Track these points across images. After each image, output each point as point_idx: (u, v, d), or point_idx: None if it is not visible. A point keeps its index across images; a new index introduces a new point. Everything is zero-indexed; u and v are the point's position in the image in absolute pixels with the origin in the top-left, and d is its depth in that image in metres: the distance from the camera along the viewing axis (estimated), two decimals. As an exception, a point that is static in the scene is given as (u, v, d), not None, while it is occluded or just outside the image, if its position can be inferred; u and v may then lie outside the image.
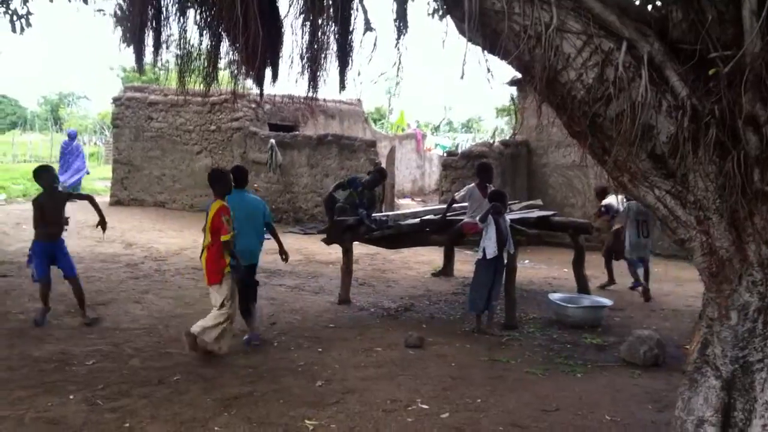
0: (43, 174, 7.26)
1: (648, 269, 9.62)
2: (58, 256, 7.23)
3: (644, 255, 9.59)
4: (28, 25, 10.43)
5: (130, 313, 7.66)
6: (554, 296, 8.23)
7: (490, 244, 7.35)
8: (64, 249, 7.31)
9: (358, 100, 22.01)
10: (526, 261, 11.93)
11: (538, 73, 3.52)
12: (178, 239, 12.85)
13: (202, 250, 6.18)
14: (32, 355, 6.03)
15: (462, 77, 3.41)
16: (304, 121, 19.33)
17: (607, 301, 8.22)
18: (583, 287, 9.27)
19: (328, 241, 8.96)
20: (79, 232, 13.74)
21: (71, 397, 5.05)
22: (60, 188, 8.92)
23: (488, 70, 3.70)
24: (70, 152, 18.84)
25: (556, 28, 3.48)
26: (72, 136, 19.49)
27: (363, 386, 5.49)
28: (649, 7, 3.99)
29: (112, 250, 11.98)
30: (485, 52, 3.73)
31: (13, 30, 10.32)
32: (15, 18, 10.32)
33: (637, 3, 4.05)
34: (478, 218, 7.76)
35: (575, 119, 3.71)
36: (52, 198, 7.24)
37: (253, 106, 17.65)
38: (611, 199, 10.24)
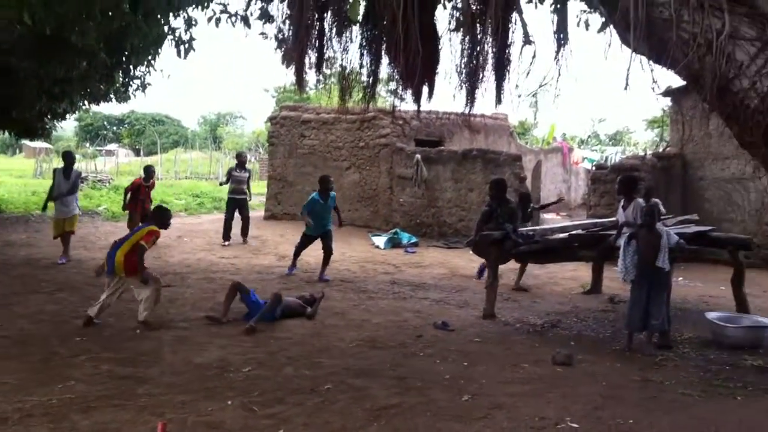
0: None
1: None
2: None
3: None
4: (192, 49, 11.18)
5: (283, 323, 7.94)
6: (711, 315, 7.79)
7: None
8: None
9: (505, 114, 21.86)
10: (680, 278, 11.37)
11: (708, 82, 3.37)
12: (326, 252, 13.27)
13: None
14: (194, 362, 6.33)
15: (626, 88, 3.33)
16: (450, 137, 19.45)
17: (770, 321, 7.70)
18: (742, 306, 8.71)
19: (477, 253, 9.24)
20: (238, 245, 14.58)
21: (229, 402, 5.22)
22: None
23: (654, 80, 3.59)
24: None
25: (728, 35, 3.32)
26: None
27: (510, 402, 5.40)
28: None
29: (266, 262, 12.56)
30: (650, 62, 3.62)
31: (178, 55, 11.07)
32: (180, 43, 11.11)
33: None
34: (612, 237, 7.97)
35: (747, 129, 3.51)
36: None
37: (400, 122, 17.99)
38: None
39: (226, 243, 14.66)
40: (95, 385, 5.58)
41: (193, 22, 10.92)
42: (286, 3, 5.88)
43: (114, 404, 5.13)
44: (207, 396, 5.38)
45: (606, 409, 5.29)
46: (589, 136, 46.17)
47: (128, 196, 13.68)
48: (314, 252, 11.61)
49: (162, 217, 8.01)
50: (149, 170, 14.17)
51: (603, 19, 4.54)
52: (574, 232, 8.95)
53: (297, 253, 11.66)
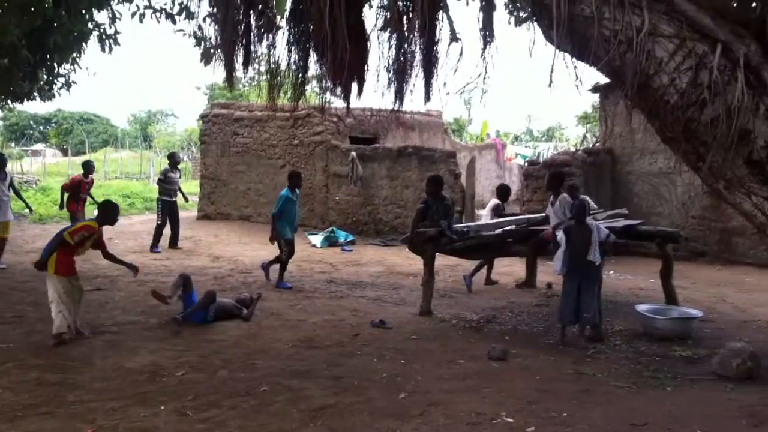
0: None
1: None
2: None
3: None
4: (117, 44, 10.89)
5: (217, 325, 7.81)
6: (641, 308, 7.99)
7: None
8: None
9: (438, 111, 22.02)
10: (611, 272, 11.64)
11: (629, 79, 3.43)
12: (263, 252, 13.07)
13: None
14: (125, 366, 6.17)
15: (550, 85, 3.36)
16: (384, 134, 19.49)
17: (697, 313, 7.93)
18: (671, 298, 8.97)
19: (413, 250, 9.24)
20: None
21: (162, 408, 5.12)
22: None
23: (577, 77, 3.63)
24: None
25: (648, 32, 3.38)
26: None
27: (447, 399, 5.43)
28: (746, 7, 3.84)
29: (200, 263, 12.33)
30: (573, 58, 3.66)
31: (102, 50, 10.80)
32: (104, 38, 10.81)
33: (734, 5, 3.90)
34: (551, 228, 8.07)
35: (668, 125, 3.60)
36: None
37: (335, 119, 17.92)
38: None
39: (158, 250, 13.73)
40: (23, 393, 5.41)
41: (118, 17, 10.63)
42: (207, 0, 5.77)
43: (42, 412, 4.98)
44: (139, 401, 5.26)
45: (540, 403, 5.36)
46: (522, 133, 47.04)
47: (66, 195, 13.07)
48: (252, 252, 11.44)
49: (109, 212, 7.29)
50: (89, 165, 13.47)
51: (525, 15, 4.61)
52: (507, 227, 9.05)
53: (284, 264, 10.56)
